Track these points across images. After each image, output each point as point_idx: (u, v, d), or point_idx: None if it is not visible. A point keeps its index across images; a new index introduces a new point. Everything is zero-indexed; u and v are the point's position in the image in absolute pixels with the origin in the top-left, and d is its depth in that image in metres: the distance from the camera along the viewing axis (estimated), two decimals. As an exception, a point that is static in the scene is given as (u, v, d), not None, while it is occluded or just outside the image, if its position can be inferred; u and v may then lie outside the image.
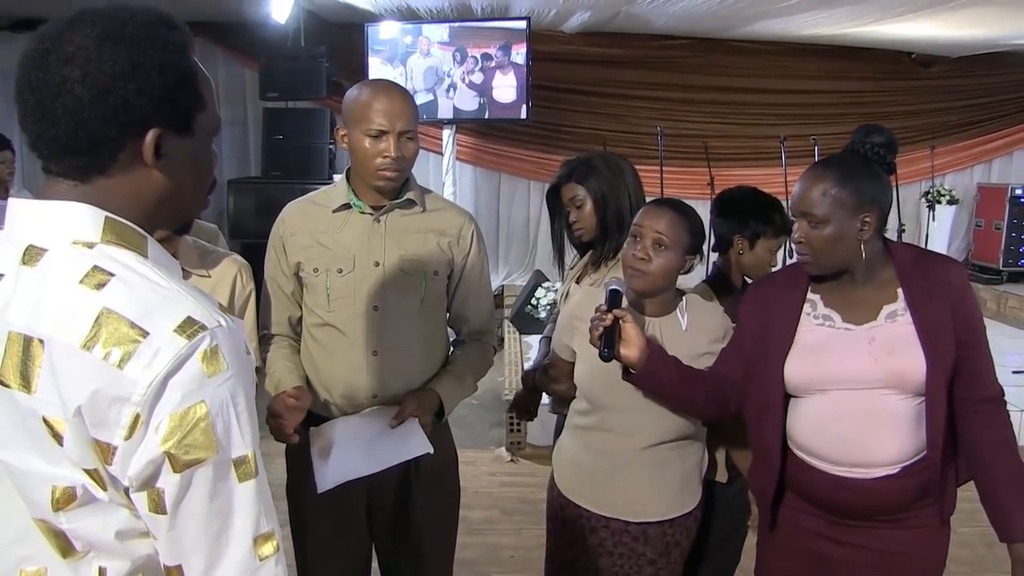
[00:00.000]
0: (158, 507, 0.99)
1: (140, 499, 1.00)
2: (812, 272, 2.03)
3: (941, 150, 8.59)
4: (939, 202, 8.66)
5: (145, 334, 0.97)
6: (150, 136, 1.05)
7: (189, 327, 0.98)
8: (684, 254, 2.17)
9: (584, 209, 2.58)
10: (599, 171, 2.58)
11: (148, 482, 0.98)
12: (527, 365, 4.65)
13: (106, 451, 0.98)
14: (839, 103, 8.47)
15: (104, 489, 1.01)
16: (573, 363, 2.32)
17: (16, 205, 1.07)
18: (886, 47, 8.18)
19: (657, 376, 2.08)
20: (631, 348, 2.04)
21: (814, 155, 7.25)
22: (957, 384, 1.95)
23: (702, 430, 2.30)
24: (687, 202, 2.31)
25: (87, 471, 1.00)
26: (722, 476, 2.50)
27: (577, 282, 2.66)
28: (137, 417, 0.96)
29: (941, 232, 8.73)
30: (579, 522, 2.27)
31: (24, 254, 1.03)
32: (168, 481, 0.98)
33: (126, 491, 1.00)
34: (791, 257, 2.26)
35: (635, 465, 2.21)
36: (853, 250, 1.95)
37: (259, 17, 6.51)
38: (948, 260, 2.06)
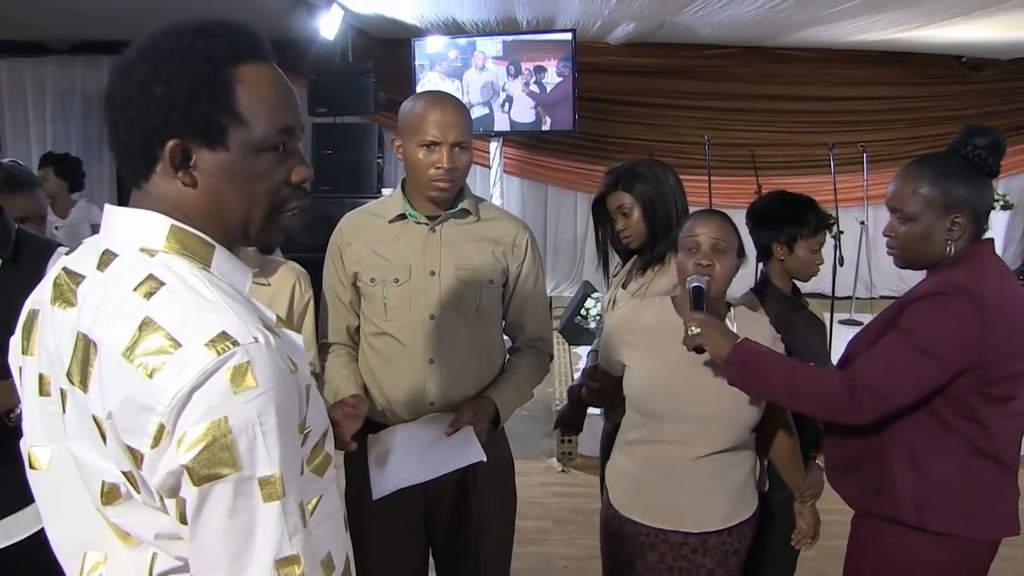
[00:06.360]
0: (182, 517, 1.01)
1: (171, 505, 1.01)
2: (897, 264, 2.10)
3: (993, 155, 8.39)
4: (992, 208, 8.44)
5: (178, 346, 0.98)
6: (168, 146, 1.06)
7: (221, 342, 0.98)
8: (736, 256, 2.20)
9: (632, 216, 2.58)
10: (645, 177, 2.59)
11: (172, 492, 1.00)
12: (576, 376, 4.65)
13: (136, 457, 1.00)
14: (887, 109, 8.34)
15: (138, 491, 1.03)
16: (619, 377, 2.32)
17: (109, 211, 1.12)
18: (934, 51, 8.05)
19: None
20: None
21: (862, 162, 7.18)
22: None
23: (751, 437, 2.30)
24: (735, 211, 2.33)
25: (124, 472, 1.03)
26: (762, 485, 2.47)
27: (624, 287, 2.66)
28: (162, 427, 0.97)
29: (995, 238, 8.48)
30: (637, 539, 2.27)
31: (100, 258, 1.08)
32: (188, 493, 0.98)
33: (160, 496, 1.02)
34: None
35: (692, 475, 2.21)
36: (939, 249, 1.99)
37: (307, 34, 6.60)
38: (937, 278, 1.98)
